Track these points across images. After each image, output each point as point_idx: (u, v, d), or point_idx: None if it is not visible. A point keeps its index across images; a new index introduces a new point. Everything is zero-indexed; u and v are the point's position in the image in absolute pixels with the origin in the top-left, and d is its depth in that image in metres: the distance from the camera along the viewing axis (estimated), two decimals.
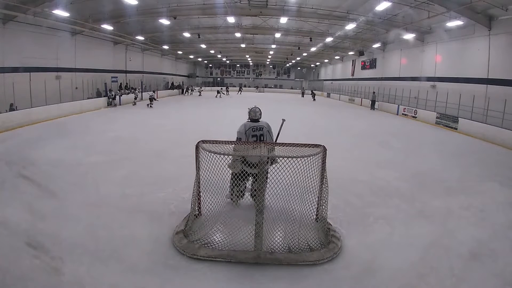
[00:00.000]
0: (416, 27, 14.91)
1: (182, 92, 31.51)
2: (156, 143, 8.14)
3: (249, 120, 3.99)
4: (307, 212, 3.54)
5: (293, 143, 3.49)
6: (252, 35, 22.90)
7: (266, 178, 3.33)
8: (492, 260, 3.07)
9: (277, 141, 4.05)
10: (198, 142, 3.39)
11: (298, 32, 19.41)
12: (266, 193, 3.27)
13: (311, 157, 3.21)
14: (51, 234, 3.29)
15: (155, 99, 18.24)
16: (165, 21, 15.11)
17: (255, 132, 3.87)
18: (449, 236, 3.53)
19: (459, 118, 12.40)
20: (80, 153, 6.79)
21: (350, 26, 15.50)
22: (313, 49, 25.03)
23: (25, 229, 3.39)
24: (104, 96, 17.32)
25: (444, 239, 3.45)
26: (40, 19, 12.27)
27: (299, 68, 44.25)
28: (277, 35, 19.67)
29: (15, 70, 12.31)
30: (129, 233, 3.39)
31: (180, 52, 29.60)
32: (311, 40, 19.98)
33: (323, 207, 3.47)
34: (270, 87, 43.42)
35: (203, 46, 25.46)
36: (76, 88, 15.56)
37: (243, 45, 25.09)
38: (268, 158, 3.43)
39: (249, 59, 38.21)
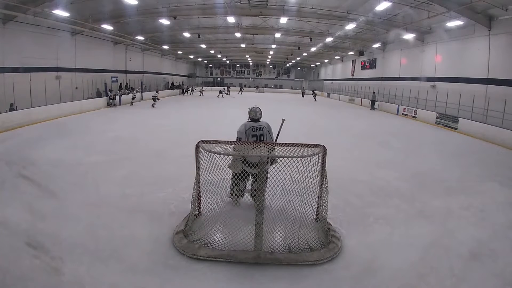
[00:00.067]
0: (416, 27, 14.91)
1: (182, 92, 31.50)
2: (156, 143, 8.14)
3: (249, 120, 4.00)
4: (307, 212, 3.54)
5: (293, 143, 3.48)
6: (252, 35, 22.90)
7: (266, 178, 3.33)
8: (492, 260, 3.07)
9: (277, 141, 4.06)
10: (198, 142, 3.39)
11: (298, 32, 19.41)
12: (266, 193, 3.27)
13: (311, 157, 3.21)
14: (51, 234, 3.29)
15: (158, 99, 18.26)
16: (165, 21, 15.11)
17: (255, 132, 3.87)
18: (449, 236, 3.53)
19: (459, 118, 12.40)
20: (80, 153, 6.79)
21: (350, 26, 15.49)
22: (313, 49, 25.03)
23: (25, 229, 3.39)
24: (105, 96, 17.31)
25: (444, 239, 3.45)
26: (40, 19, 12.27)
27: (299, 68, 44.25)
28: (277, 35, 19.67)
29: (15, 70, 12.31)
30: (129, 233, 3.39)
31: (180, 52, 29.60)
32: (311, 40, 19.98)
33: (323, 207, 3.47)
34: (270, 87, 43.41)
35: (203, 46, 25.46)
36: (76, 88, 15.56)
37: (243, 45, 25.10)
38: (268, 158, 3.43)
39: (249, 59, 38.21)
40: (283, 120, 4.33)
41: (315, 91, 30.95)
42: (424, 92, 15.89)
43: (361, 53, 25.09)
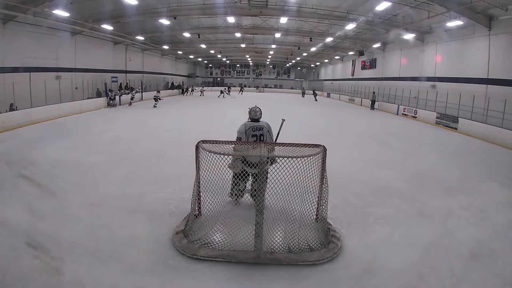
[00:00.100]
0: (416, 27, 14.91)
1: (182, 92, 31.49)
2: (156, 143, 8.14)
3: (250, 120, 4.00)
4: (307, 212, 3.54)
5: (293, 143, 3.48)
6: (252, 35, 22.89)
7: (266, 178, 3.33)
8: (492, 260, 3.08)
9: (277, 141, 4.06)
10: (198, 142, 3.39)
11: (298, 32, 19.41)
12: (266, 193, 3.27)
13: (311, 157, 3.21)
14: (51, 234, 3.29)
15: (159, 99, 18.32)
16: (165, 21, 15.11)
17: (255, 132, 3.87)
18: (449, 236, 3.53)
19: (459, 118, 12.40)
20: (80, 153, 6.79)
21: (350, 26, 15.50)
22: (313, 49, 25.03)
23: (25, 229, 3.39)
24: (105, 96, 17.31)
25: (444, 239, 3.45)
26: (40, 19, 12.27)
27: (299, 68, 44.25)
28: (277, 35, 19.67)
29: (15, 70, 12.31)
30: (129, 233, 3.39)
31: (180, 52, 29.60)
32: (311, 40, 19.98)
33: (323, 207, 3.47)
34: (270, 87, 43.41)
35: (203, 46, 25.46)
36: (76, 88, 15.56)
37: (243, 45, 25.10)
38: (268, 158, 3.43)
39: (249, 59, 38.21)
40: (283, 120, 4.33)
41: (315, 91, 30.92)
42: (424, 92, 15.89)
43: (361, 53, 25.09)
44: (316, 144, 3.46)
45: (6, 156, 6.38)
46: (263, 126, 3.93)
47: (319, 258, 2.98)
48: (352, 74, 28.39)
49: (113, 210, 3.98)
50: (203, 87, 33.86)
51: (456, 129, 12.35)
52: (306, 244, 3.18)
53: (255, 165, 3.31)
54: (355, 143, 8.99)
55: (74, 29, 14.96)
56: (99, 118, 13.00)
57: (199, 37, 19.93)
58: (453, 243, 3.37)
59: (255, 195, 3.15)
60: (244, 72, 44.96)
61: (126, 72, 22.56)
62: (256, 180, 3.27)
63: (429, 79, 16.20)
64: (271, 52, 30.50)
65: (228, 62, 41.79)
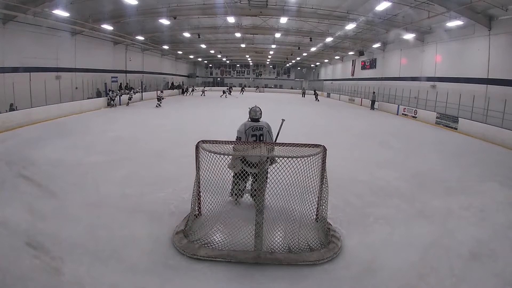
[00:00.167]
0: (416, 27, 14.91)
1: (182, 92, 31.48)
2: (156, 143, 8.14)
3: (250, 120, 4.00)
4: (307, 212, 3.54)
5: (293, 143, 3.49)
6: (252, 35, 22.89)
7: (266, 178, 3.33)
8: (492, 260, 3.08)
9: (277, 141, 4.05)
10: (198, 142, 3.39)
11: (298, 32, 19.41)
12: (266, 193, 3.27)
13: (311, 157, 3.22)
14: (51, 234, 3.29)
15: (162, 98, 18.41)
16: (165, 21, 15.11)
17: (255, 132, 3.87)
18: (449, 236, 3.53)
19: (459, 118, 12.40)
20: (80, 153, 6.79)
21: (350, 26, 15.50)
22: (313, 49, 25.03)
23: (25, 229, 3.39)
24: (105, 96, 17.31)
25: (444, 239, 3.45)
26: (40, 19, 12.28)
27: (299, 68, 44.26)
28: (277, 35, 19.67)
29: (15, 70, 12.31)
30: (129, 233, 3.39)
31: (180, 52, 29.60)
32: (311, 40, 19.98)
33: (323, 207, 3.47)
34: (270, 87, 43.42)
35: (203, 46, 25.46)
36: (76, 88, 15.56)
37: (243, 45, 25.10)
38: (267, 158, 3.43)
39: (249, 59, 38.21)
40: (283, 120, 4.33)
41: (316, 91, 30.88)
42: (424, 92, 15.89)
43: (361, 53, 25.09)
44: (316, 144, 3.46)
45: (6, 156, 6.38)
46: (262, 126, 3.93)
47: (319, 258, 2.98)
48: (352, 74, 28.39)
49: (113, 210, 3.98)
50: (204, 87, 33.84)
51: (456, 129, 12.35)
52: (306, 244, 3.18)
53: (255, 165, 3.31)
54: (355, 143, 8.99)
55: (74, 29, 14.96)
56: (99, 118, 13.00)
57: (199, 37, 19.93)
58: (453, 243, 3.37)
59: (255, 195, 3.15)
60: (244, 72, 44.96)
61: (126, 72, 22.56)
62: (256, 180, 3.27)
63: (429, 79, 16.20)
64: (271, 52, 30.50)
65: (228, 62, 41.78)
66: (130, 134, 9.26)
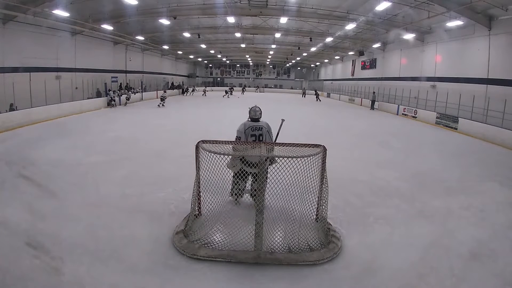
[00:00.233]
0: (416, 27, 14.91)
1: (182, 92, 31.46)
2: (156, 143, 8.14)
3: (249, 120, 4.00)
4: (307, 212, 3.54)
5: (293, 143, 3.49)
6: (252, 35, 22.90)
7: (266, 178, 3.33)
8: (492, 260, 3.08)
9: (276, 141, 4.05)
10: (198, 142, 3.39)
11: (298, 32, 19.41)
12: (266, 193, 3.27)
13: (311, 157, 3.22)
14: (51, 234, 3.29)
15: (165, 98, 18.58)
16: (165, 21, 15.11)
17: (254, 132, 3.87)
18: (449, 236, 3.53)
19: (459, 118, 12.40)
20: (80, 153, 6.79)
21: (350, 26, 15.50)
22: (313, 49, 25.03)
23: (25, 229, 3.39)
24: (105, 96, 17.30)
25: (444, 239, 3.45)
26: (40, 19, 12.28)
27: (299, 68, 44.25)
28: (277, 35, 19.67)
29: (15, 70, 12.31)
30: (129, 233, 3.39)
31: (180, 52, 29.60)
32: (311, 40, 19.98)
33: (323, 207, 3.47)
34: (270, 87, 43.41)
35: (203, 46, 25.46)
36: (76, 88, 15.56)
37: (243, 45, 25.10)
38: (267, 158, 3.43)
39: (249, 59, 38.21)
40: (283, 120, 4.32)
41: (317, 91, 30.83)
42: (424, 92, 15.89)
43: (361, 53, 25.09)
44: (316, 144, 3.46)
45: (6, 156, 6.38)
46: (262, 126, 3.92)
47: (319, 258, 2.98)
48: (352, 74, 28.39)
49: (113, 210, 3.98)
50: (205, 87, 33.85)
51: (456, 129, 12.35)
52: (306, 244, 3.18)
53: (255, 164, 3.31)
54: (355, 143, 8.99)
55: (74, 29, 14.96)
56: (99, 118, 13.00)
57: (199, 37, 19.93)
58: (453, 243, 3.37)
59: (255, 195, 3.15)
60: (244, 72, 44.96)
61: (126, 72, 22.56)
62: (256, 180, 3.27)
63: (429, 79, 16.20)
64: (271, 52, 30.50)
65: (228, 62, 41.78)
66: (130, 134, 9.26)
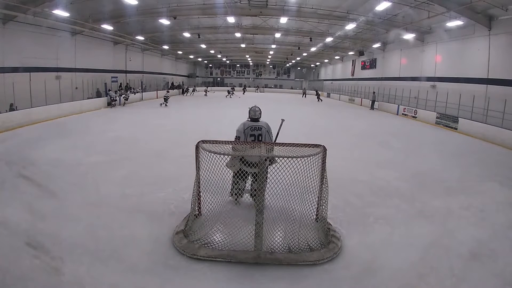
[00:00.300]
0: (416, 27, 14.91)
1: (183, 92, 31.45)
2: (156, 143, 8.14)
3: (249, 119, 3.99)
4: (307, 212, 3.54)
5: (293, 143, 3.49)
6: (252, 35, 22.89)
7: (266, 178, 3.33)
8: (492, 260, 3.08)
9: (276, 141, 4.05)
10: (198, 142, 3.39)
11: (298, 32, 19.41)
12: (266, 193, 3.27)
13: (311, 157, 3.22)
14: (51, 234, 3.29)
15: (168, 98, 18.79)
16: (165, 21, 15.11)
17: (253, 131, 3.87)
18: (449, 236, 3.53)
19: (459, 118, 12.40)
20: (80, 153, 6.79)
21: (350, 26, 15.49)
22: (313, 49, 25.03)
23: (25, 229, 3.39)
24: (105, 96, 17.30)
25: (444, 239, 3.45)
26: (40, 19, 12.28)
27: (299, 68, 44.25)
28: (277, 35, 19.67)
29: (15, 70, 12.31)
30: (129, 233, 3.39)
31: (180, 52, 29.60)
32: (311, 40, 19.98)
33: (323, 207, 3.47)
34: (270, 87, 43.40)
35: (203, 46, 25.46)
36: (76, 88, 15.56)
37: (243, 45, 25.09)
38: (267, 158, 3.43)
39: (249, 59, 38.20)
40: (283, 120, 4.32)
41: (318, 92, 30.80)
42: (424, 92, 15.89)
43: (361, 53, 25.09)
44: (316, 144, 3.46)
45: (6, 156, 6.38)
46: (262, 126, 3.92)
47: (319, 258, 2.98)
48: (352, 74, 28.39)
49: (113, 210, 3.98)
50: (207, 87, 33.85)
51: (456, 129, 12.35)
52: (306, 244, 3.18)
53: (254, 164, 3.31)
54: (355, 143, 8.99)
55: (74, 29, 14.96)
56: (99, 118, 13.00)
57: (199, 37, 19.93)
58: (453, 243, 3.37)
59: (255, 195, 3.15)
60: (244, 72, 44.95)
61: (126, 72, 22.56)
62: (255, 180, 3.27)
63: (429, 79, 16.20)
64: (271, 52, 30.50)
65: (228, 62, 41.78)
66: (130, 134, 9.26)
